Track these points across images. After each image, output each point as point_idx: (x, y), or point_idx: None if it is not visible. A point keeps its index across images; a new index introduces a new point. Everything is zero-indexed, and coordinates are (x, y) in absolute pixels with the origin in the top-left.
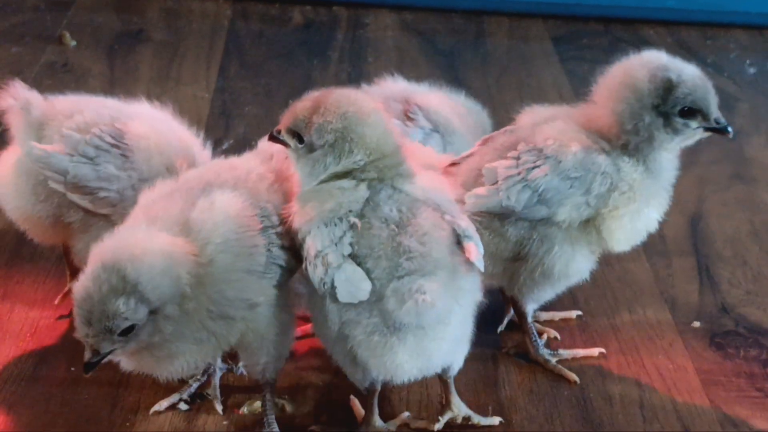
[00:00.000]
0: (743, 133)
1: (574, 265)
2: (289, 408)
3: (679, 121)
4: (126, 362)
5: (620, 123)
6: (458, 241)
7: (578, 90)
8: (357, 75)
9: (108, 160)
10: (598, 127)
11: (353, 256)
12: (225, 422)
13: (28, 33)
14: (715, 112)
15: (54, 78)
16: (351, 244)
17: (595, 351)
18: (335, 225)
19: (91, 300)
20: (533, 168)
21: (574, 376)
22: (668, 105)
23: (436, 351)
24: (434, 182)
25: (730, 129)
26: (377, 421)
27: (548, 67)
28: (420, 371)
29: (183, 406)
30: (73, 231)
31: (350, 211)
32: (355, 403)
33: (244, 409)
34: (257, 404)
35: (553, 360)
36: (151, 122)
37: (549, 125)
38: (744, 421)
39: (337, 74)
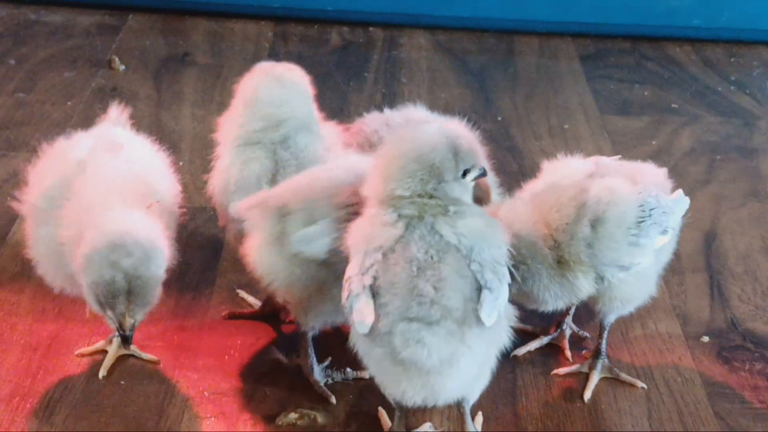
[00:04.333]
0: (761, 151)
1: None
2: (321, 419)
3: None
4: None
5: None
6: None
7: (603, 108)
8: (390, 95)
9: None
10: None
11: (377, 287)
12: None
13: (80, 58)
14: None
15: (104, 102)
16: (375, 276)
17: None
18: (368, 255)
19: None
20: None
21: None
22: None
23: (440, 387)
24: (483, 227)
25: None
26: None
27: (575, 86)
28: (425, 402)
29: None
30: None
31: (381, 246)
32: (383, 414)
33: (279, 421)
34: (292, 416)
35: None
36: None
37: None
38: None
39: (371, 95)
